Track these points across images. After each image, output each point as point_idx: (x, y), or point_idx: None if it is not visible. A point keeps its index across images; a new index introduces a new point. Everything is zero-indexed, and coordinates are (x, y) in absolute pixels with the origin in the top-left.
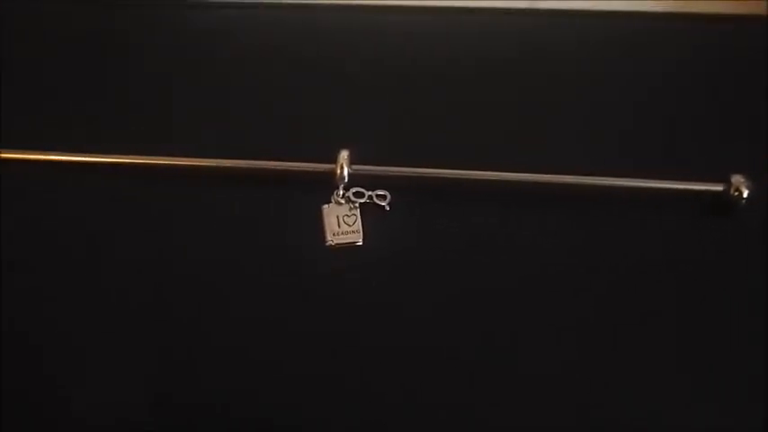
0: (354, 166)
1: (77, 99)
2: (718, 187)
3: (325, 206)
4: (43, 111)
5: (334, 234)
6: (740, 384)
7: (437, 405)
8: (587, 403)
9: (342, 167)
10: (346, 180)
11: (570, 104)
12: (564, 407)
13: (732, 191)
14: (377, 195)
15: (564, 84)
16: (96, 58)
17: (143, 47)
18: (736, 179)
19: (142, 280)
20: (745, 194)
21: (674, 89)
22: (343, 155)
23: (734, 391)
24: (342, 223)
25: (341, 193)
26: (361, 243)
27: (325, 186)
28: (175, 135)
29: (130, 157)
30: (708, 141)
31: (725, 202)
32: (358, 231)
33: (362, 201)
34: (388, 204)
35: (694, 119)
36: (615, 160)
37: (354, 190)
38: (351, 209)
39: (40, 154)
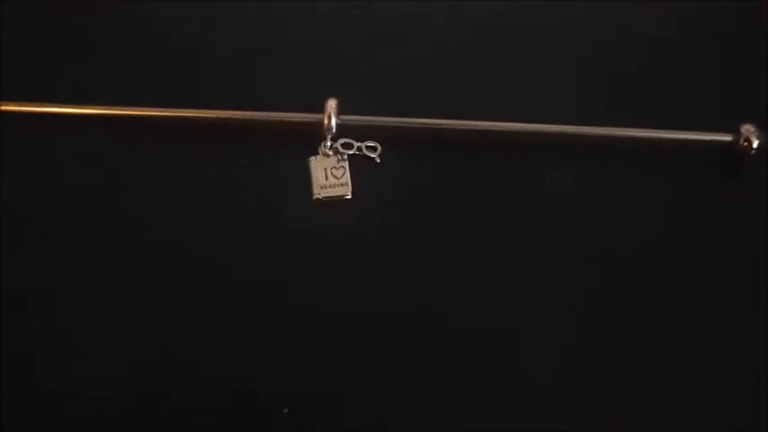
0: (343, 116)
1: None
2: (727, 137)
3: (312, 158)
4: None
5: (321, 187)
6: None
7: (423, 361)
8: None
9: (329, 117)
10: (334, 131)
11: (571, 54)
12: (561, 372)
13: (742, 141)
14: (367, 147)
15: (563, 33)
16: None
17: None
18: (746, 128)
19: (123, 236)
20: (755, 144)
21: (683, 40)
22: (331, 104)
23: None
24: (329, 176)
25: (328, 144)
26: (350, 196)
27: (311, 138)
28: (155, 86)
29: (110, 108)
30: (717, 93)
31: (734, 153)
32: (347, 184)
33: (351, 152)
34: (379, 156)
35: (703, 70)
36: (617, 111)
37: (343, 141)
38: (339, 161)
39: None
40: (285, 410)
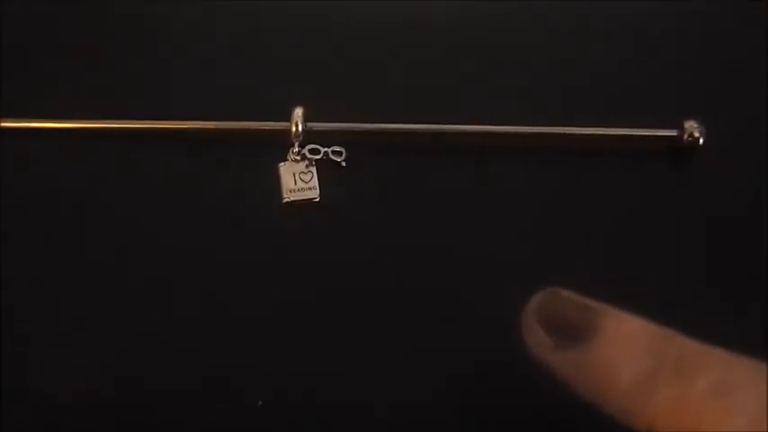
0: (309, 123)
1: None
2: (672, 132)
3: (282, 164)
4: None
5: (290, 191)
6: None
7: (391, 362)
8: None
9: (296, 125)
10: (301, 137)
11: (524, 54)
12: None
13: (686, 136)
14: (333, 151)
15: (519, 34)
16: None
17: None
18: (690, 124)
19: (95, 243)
20: (701, 141)
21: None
22: (298, 112)
23: None
24: (298, 180)
25: (296, 150)
26: (318, 199)
27: (280, 145)
28: (123, 97)
29: (77, 121)
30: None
31: (680, 149)
32: (314, 188)
33: (318, 157)
34: (344, 160)
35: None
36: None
37: (310, 147)
38: (307, 166)
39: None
40: (260, 403)
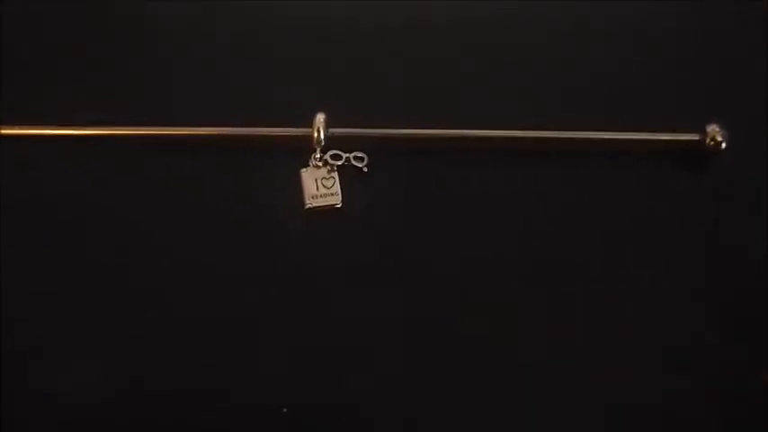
0: (331, 129)
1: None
2: (695, 137)
3: (304, 170)
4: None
5: (312, 197)
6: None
7: (413, 367)
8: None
9: (318, 131)
10: (323, 143)
11: (543, 59)
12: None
13: (708, 140)
14: (354, 157)
15: (538, 39)
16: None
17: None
18: (712, 128)
19: (117, 249)
20: (723, 145)
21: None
22: (320, 118)
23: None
24: (320, 186)
25: (318, 156)
26: (340, 205)
27: (303, 151)
28: (147, 104)
29: (100, 128)
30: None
31: (703, 152)
32: (337, 194)
33: (340, 163)
34: (366, 166)
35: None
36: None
37: (332, 152)
38: (329, 171)
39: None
40: (285, 410)
